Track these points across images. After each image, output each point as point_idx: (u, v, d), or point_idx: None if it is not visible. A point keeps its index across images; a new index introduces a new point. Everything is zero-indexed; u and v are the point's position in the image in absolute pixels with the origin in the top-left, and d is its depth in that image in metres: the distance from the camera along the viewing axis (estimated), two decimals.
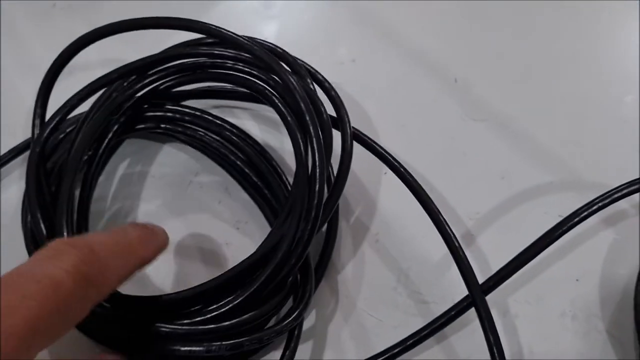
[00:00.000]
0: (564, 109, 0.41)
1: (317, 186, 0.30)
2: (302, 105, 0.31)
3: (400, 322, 0.34)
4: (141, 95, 0.36)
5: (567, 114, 0.41)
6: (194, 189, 0.39)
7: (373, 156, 0.36)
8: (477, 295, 0.31)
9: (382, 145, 0.36)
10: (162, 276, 0.36)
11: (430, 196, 0.34)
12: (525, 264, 0.31)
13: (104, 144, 0.35)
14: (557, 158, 0.39)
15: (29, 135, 0.35)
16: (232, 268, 0.30)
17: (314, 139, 0.30)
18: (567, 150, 0.39)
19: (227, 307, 0.29)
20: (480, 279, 0.32)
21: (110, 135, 0.35)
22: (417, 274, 0.36)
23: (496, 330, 0.30)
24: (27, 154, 0.35)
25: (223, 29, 0.33)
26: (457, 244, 0.32)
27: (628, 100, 0.41)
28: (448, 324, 0.32)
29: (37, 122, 0.33)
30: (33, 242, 0.32)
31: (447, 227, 0.32)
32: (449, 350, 0.34)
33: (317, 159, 0.30)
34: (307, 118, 0.31)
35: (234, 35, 0.33)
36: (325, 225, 0.36)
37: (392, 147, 0.38)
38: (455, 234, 0.34)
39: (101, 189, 0.38)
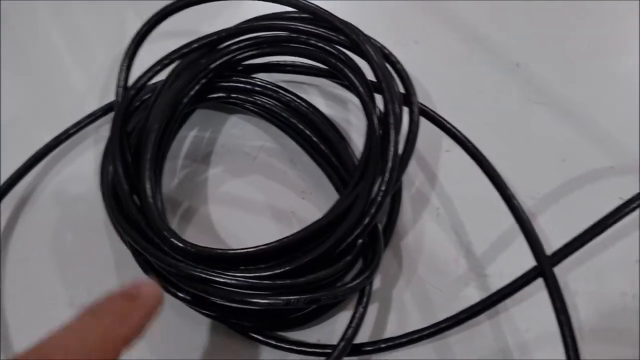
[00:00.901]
0: (626, 92, 0.42)
1: (392, 149, 0.31)
2: (378, 71, 0.32)
3: (461, 293, 0.35)
4: (216, 66, 0.37)
5: (629, 97, 0.41)
6: (261, 158, 0.40)
7: (433, 135, 0.37)
8: (545, 265, 0.31)
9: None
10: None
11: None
12: (592, 239, 0.32)
13: (179, 110, 0.37)
14: (618, 142, 0.39)
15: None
16: (307, 226, 0.31)
17: (390, 104, 0.31)
18: (628, 134, 0.40)
19: (302, 263, 0.30)
20: None
21: (185, 101, 0.37)
22: (478, 248, 0.37)
23: (564, 300, 0.31)
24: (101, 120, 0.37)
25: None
26: (524, 216, 0.32)
27: None
28: (514, 294, 0.32)
29: (122, 85, 0.35)
30: (114, 197, 0.33)
31: (514, 199, 0.33)
32: (510, 323, 0.34)
33: (392, 121, 0.31)
34: (384, 85, 0.32)
35: (313, 5, 0.34)
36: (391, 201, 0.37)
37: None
38: None
39: (173, 152, 0.40)
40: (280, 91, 0.38)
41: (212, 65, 0.37)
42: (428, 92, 0.42)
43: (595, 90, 0.42)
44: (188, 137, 0.41)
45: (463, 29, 0.46)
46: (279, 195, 0.38)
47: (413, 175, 0.39)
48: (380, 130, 0.32)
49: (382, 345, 0.33)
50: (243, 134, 0.41)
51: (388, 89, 0.31)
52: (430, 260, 0.36)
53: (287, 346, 0.33)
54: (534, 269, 0.32)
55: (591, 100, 0.41)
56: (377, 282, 0.36)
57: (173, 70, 0.38)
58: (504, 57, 0.43)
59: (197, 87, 0.37)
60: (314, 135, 0.37)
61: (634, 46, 0.44)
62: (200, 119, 0.42)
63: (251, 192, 0.39)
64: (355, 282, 0.31)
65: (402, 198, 0.38)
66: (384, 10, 0.48)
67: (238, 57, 0.38)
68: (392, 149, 0.31)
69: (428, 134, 0.38)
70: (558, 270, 0.35)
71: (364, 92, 0.33)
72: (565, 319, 0.30)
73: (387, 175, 0.31)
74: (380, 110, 0.34)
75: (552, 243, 0.36)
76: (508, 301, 0.35)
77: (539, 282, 0.32)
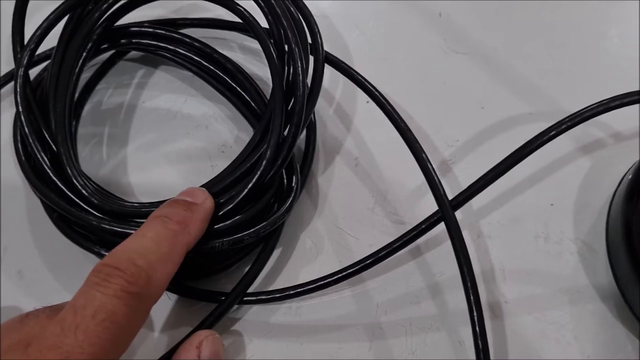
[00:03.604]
0: (545, 40, 0.42)
1: (301, 90, 0.32)
2: (278, 10, 0.32)
3: (376, 240, 0.35)
4: (111, 14, 0.37)
5: (548, 46, 0.41)
6: (183, 113, 0.40)
7: (354, 87, 0.37)
8: (445, 210, 0.31)
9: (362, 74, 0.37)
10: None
11: (411, 123, 0.35)
12: (493, 181, 0.32)
13: (86, 53, 0.36)
14: (537, 89, 0.40)
15: None
16: (223, 170, 0.32)
17: (289, 44, 0.31)
18: (546, 81, 0.40)
19: (227, 208, 0.31)
20: None
21: (84, 55, 0.36)
22: (395, 196, 0.37)
23: (464, 242, 0.31)
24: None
25: None
26: (426, 158, 0.32)
27: (612, 33, 0.41)
28: (418, 238, 0.32)
29: (17, 47, 0.35)
30: (25, 154, 0.33)
31: (416, 143, 0.33)
32: (425, 267, 0.35)
33: (299, 65, 0.31)
34: (273, 21, 0.32)
35: None
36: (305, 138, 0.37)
37: (374, 78, 0.38)
38: (434, 159, 0.35)
39: (91, 114, 0.40)
40: (196, 43, 0.38)
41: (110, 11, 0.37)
42: (350, 44, 0.42)
43: (515, 39, 0.42)
44: (108, 91, 0.41)
45: None
46: (199, 150, 0.38)
47: (332, 126, 0.39)
48: (285, 73, 0.33)
49: (291, 292, 0.33)
50: (165, 88, 0.41)
51: (283, 28, 0.32)
52: (347, 209, 0.37)
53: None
54: (435, 212, 0.32)
55: (511, 49, 0.41)
56: (292, 230, 0.36)
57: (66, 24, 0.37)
58: (426, 7, 0.43)
59: (94, 37, 0.37)
60: (233, 81, 0.37)
61: None
62: (121, 72, 0.41)
63: (171, 147, 0.39)
64: (274, 217, 0.31)
65: (320, 151, 0.38)
66: None
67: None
68: (299, 91, 0.32)
69: (350, 85, 0.38)
70: (471, 215, 0.36)
71: (260, 30, 0.33)
72: (464, 259, 0.30)
73: (295, 117, 0.32)
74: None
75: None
76: (423, 247, 0.35)
77: None
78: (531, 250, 0.35)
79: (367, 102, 0.39)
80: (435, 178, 0.32)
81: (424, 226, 0.32)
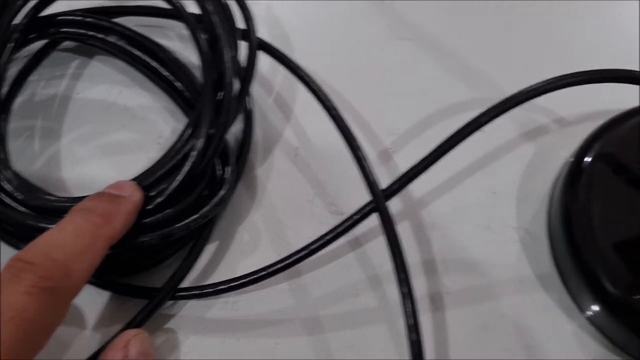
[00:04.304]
0: (491, 26, 0.41)
1: (228, 77, 0.31)
2: None
3: (316, 232, 0.34)
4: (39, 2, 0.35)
5: (494, 31, 0.41)
6: (118, 104, 0.39)
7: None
8: (378, 200, 0.31)
9: (304, 62, 0.36)
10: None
11: (352, 112, 0.34)
12: (426, 169, 0.31)
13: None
14: (482, 75, 0.39)
15: None
16: (153, 165, 0.31)
17: (217, 29, 0.30)
18: (491, 67, 0.39)
19: (157, 201, 0.30)
20: None
21: (10, 45, 0.35)
22: (335, 187, 0.36)
23: (396, 233, 0.30)
24: None
25: None
26: (357, 146, 0.32)
27: (557, 14, 0.41)
28: (351, 229, 0.31)
29: None
30: None
31: (348, 131, 0.32)
32: (365, 259, 0.34)
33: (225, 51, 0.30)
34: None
35: None
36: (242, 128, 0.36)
37: (316, 65, 0.38)
38: (375, 148, 0.35)
39: (23, 108, 0.38)
40: (127, 32, 0.37)
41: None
42: (290, 30, 0.41)
43: (460, 24, 0.41)
44: (40, 83, 0.40)
45: None
46: (135, 142, 0.37)
47: (272, 115, 0.38)
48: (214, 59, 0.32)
49: (224, 287, 0.32)
50: (101, 79, 0.40)
51: (206, 12, 0.30)
52: (286, 201, 0.36)
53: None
54: (369, 203, 0.31)
55: (456, 35, 0.41)
56: (229, 222, 0.35)
57: None
58: None
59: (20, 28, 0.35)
60: (166, 71, 0.36)
61: None
62: (55, 63, 0.40)
63: (106, 139, 0.38)
64: (204, 210, 0.30)
65: (254, 133, 0.37)
66: None
67: None
68: (227, 79, 0.31)
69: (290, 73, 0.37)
70: (413, 205, 0.35)
71: (187, 16, 0.32)
72: (397, 251, 0.30)
73: (225, 106, 0.31)
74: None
75: None
76: (363, 238, 0.34)
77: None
78: (473, 239, 0.34)
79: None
80: (367, 167, 0.31)
81: (356, 217, 0.31)
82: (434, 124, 0.37)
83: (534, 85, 0.31)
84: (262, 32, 0.40)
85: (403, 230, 0.34)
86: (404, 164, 0.36)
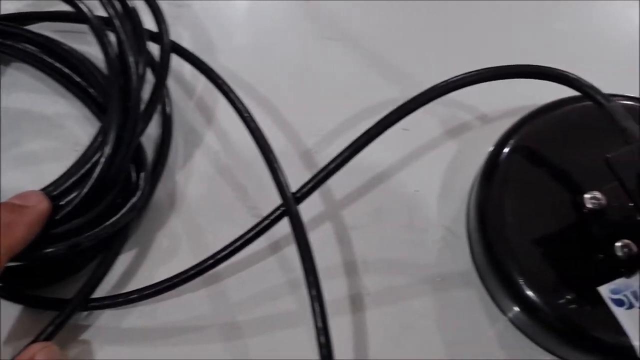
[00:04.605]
0: (417, 26, 0.41)
1: (135, 82, 0.30)
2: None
3: (235, 236, 0.34)
4: None
5: (419, 31, 0.40)
6: (33, 114, 0.38)
7: None
8: (289, 203, 0.30)
9: (229, 64, 0.36)
10: None
11: (276, 114, 0.34)
12: (337, 170, 0.31)
13: None
14: (406, 75, 0.39)
15: None
16: (64, 173, 0.30)
17: (121, 34, 0.30)
18: (415, 66, 0.39)
19: (65, 211, 0.29)
20: None
21: None
22: (256, 190, 0.35)
23: (305, 234, 0.30)
24: None
25: None
26: (268, 146, 0.31)
27: (486, 15, 0.41)
28: (262, 234, 0.31)
29: None
30: None
31: (260, 133, 0.31)
32: (284, 262, 0.33)
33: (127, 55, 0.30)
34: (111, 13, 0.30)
35: None
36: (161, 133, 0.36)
37: (240, 67, 0.38)
38: (297, 150, 0.35)
39: None
40: (37, 38, 0.36)
41: None
42: (214, 34, 0.40)
43: (386, 24, 0.41)
44: None
45: None
46: (51, 151, 0.37)
47: (193, 119, 0.38)
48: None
49: (135, 295, 0.31)
50: (17, 87, 0.39)
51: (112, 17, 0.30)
52: (206, 205, 0.35)
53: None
54: (279, 207, 0.31)
55: (381, 35, 0.40)
56: (148, 229, 0.34)
57: None
58: None
59: None
60: (79, 77, 0.35)
61: None
62: None
63: (22, 149, 0.37)
64: (115, 218, 0.30)
65: (173, 138, 0.36)
66: None
67: None
68: (133, 84, 0.30)
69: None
70: (333, 205, 0.34)
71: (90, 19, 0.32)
72: (306, 254, 0.29)
73: (131, 111, 0.30)
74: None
75: (329, 180, 0.35)
76: (283, 242, 0.34)
77: None
78: (394, 239, 0.34)
79: None
80: (277, 169, 0.31)
81: (266, 222, 0.31)
82: (358, 123, 0.37)
83: (441, 82, 0.31)
84: (185, 35, 0.40)
85: (324, 232, 0.34)
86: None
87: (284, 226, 0.31)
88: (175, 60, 0.37)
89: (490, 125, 0.36)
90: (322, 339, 0.28)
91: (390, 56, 0.39)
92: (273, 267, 0.33)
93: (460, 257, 0.33)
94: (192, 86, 0.38)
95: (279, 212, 0.31)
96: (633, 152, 0.27)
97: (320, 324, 0.28)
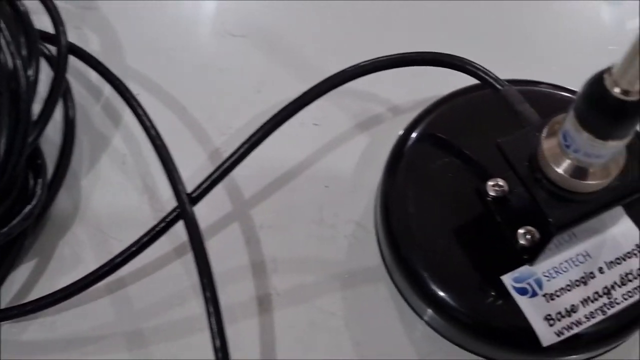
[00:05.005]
0: (326, 19, 0.40)
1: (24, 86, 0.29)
2: None
3: None
4: None
5: (329, 25, 0.40)
6: None
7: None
8: (184, 205, 0.29)
9: (135, 66, 0.35)
10: None
11: (184, 114, 0.34)
12: (233, 168, 0.30)
13: None
14: (317, 70, 0.37)
15: None
16: None
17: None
18: (326, 61, 0.38)
19: None
20: None
21: None
22: (164, 194, 0.34)
23: (200, 236, 0.29)
24: None
25: None
26: (163, 145, 0.30)
27: (393, 6, 0.40)
28: (158, 237, 0.30)
29: None
30: None
31: (156, 132, 0.30)
32: (191, 265, 0.32)
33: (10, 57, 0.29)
34: None
35: None
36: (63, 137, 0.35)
37: (148, 68, 0.37)
38: (206, 149, 0.35)
39: None
40: None
41: None
42: (119, 33, 0.39)
43: (295, 19, 0.40)
44: None
45: None
46: None
47: (99, 123, 0.36)
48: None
49: (28, 308, 0.30)
50: None
51: None
52: (112, 211, 0.34)
53: None
54: (175, 209, 0.30)
55: (291, 30, 0.39)
56: (50, 238, 0.33)
57: None
58: None
59: None
60: None
61: None
62: None
63: None
64: (9, 227, 0.29)
65: (75, 142, 0.35)
66: None
67: None
68: (22, 88, 0.29)
69: None
70: (245, 205, 0.34)
71: None
72: (200, 255, 0.28)
73: (22, 115, 0.29)
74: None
75: (237, 178, 0.34)
76: (188, 245, 0.33)
77: None
78: (304, 236, 0.33)
79: (137, 94, 0.37)
80: (172, 169, 0.30)
81: (162, 225, 0.30)
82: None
83: (338, 72, 0.30)
84: (93, 37, 0.39)
85: (232, 232, 0.33)
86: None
87: None
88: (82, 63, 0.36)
89: (402, 116, 0.36)
90: (217, 343, 0.27)
91: (300, 50, 0.39)
92: (178, 271, 0.32)
93: (370, 253, 0.32)
94: (99, 89, 0.37)
95: (174, 214, 0.29)
96: (524, 136, 0.26)
97: (215, 327, 0.27)
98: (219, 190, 0.34)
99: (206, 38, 0.39)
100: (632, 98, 0.20)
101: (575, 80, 0.23)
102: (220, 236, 0.33)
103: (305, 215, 0.34)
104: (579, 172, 0.24)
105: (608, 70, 0.20)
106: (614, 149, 0.23)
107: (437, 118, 0.32)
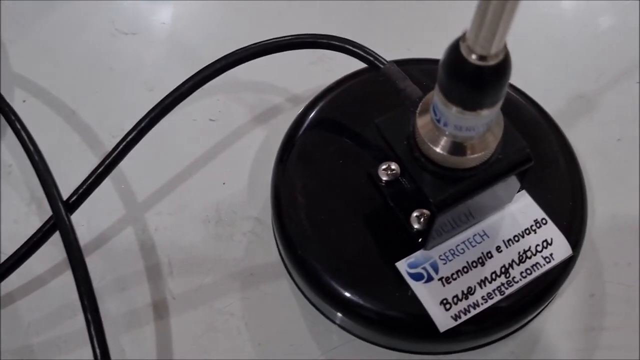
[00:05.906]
0: (213, 14, 0.39)
1: None
2: None
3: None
4: None
5: (222, 20, 0.38)
6: None
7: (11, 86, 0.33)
8: (58, 212, 0.28)
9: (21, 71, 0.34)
10: None
11: (73, 118, 0.33)
12: (109, 170, 0.28)
13: None
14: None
15: None
16: None
17: None
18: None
19: None
20: None
21: None
22: None
23: (77, 243, 0.27)
24: None
25: None
26: (40, 160, 0.29)
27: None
28: (37, 248, 0.28)
29: None
30: None
31: (30, 144, 0.29)
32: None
33: None
34: None
35: None
36: None
37: (33, 73, 0.35)
38: (96, 153, 0.33)
39: None
40: None
41: None
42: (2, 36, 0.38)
43: (186, 11, 0.39)
44: None
45: None
46: None
47: None
48: None
49: None
50: None
51: None
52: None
53: None
54: (50, 218, 0.28)
55: (180, 26, 0.38)
56: None
57: None
58: None
59: None
60: None
61: None
62: None
63: None
64: None
65: None
66: None
67: None
68: None
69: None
70: (138, 208, 0.32)
71: None
72: (77, 263, 0.27)
73: None
74: None
75: (130, 181, 0.33)
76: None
77: None
78: (200, 237, 0.32)
79: (24, 101, 0.35)
80: (48, 177, 0.28)
81: (39, 235, 0.28)
82: (162, 120, 0.34)
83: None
84: None
85: (126, 238, 0.32)
86: (128, 167, 0.33)
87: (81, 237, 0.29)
88: None
89: (300, 105, 0.34)
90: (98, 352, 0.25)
91: (192, 47, 0.37)
92: (69, 282, 0.31)
93: (269, 249, 0.31)
94: None
95: (50, 223, 0.28)
96: (401, 114, 0.25)
97: (94, 334, 0.26)
98: (111, 195, 0.33)
99: (96, 37, 0.38)
100: (489, 63, 0.19)
101: None
102: (113, 242, 0.32)
103: (201, 214, 0.32)
104: (455, 147, 0.23)
105: (463, 36, 0.19)
106: (484, 119, 0.22)
107: (327, 104, 0.31)
